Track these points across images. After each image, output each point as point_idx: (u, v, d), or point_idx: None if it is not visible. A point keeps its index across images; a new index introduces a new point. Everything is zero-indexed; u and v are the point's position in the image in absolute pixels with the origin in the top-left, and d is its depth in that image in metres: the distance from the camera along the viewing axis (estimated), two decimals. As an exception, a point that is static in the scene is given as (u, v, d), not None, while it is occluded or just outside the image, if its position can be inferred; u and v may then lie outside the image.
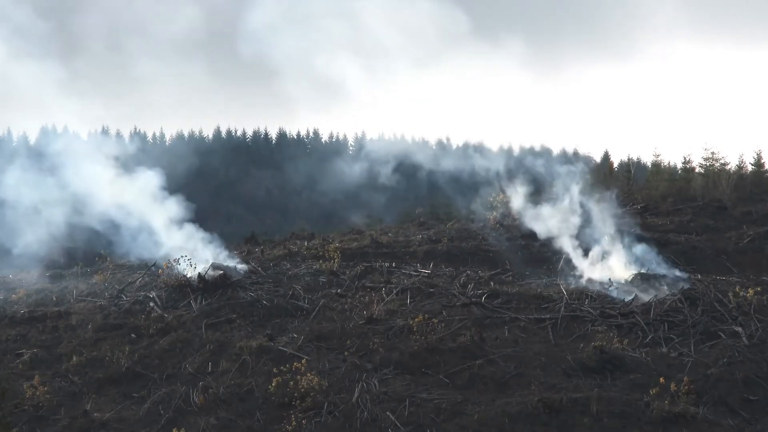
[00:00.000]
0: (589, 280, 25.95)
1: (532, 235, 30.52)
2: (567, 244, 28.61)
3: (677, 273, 25.98)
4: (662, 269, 26.33)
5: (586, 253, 27.97)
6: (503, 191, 32.70)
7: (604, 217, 29.98)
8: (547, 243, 29.29)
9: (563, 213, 30.39)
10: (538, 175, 32.14)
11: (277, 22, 33.04)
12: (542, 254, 29.25)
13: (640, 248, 27.92)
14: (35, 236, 26.98)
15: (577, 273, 26.99)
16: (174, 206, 27.07)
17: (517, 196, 31.72)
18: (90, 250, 31.98)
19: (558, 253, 28.58)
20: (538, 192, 32.19)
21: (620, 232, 29.22)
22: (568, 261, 27.94)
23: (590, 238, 28.73)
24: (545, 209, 30.69)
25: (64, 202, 26.44)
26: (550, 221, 29.99)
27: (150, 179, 27.25)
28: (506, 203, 32.73)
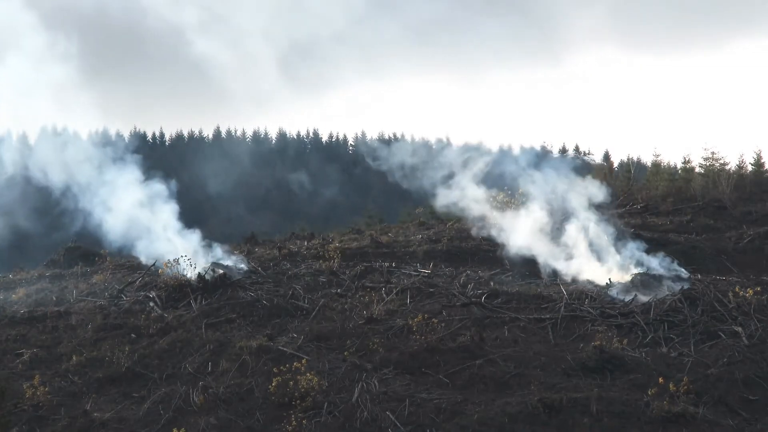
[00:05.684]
0: (589, 281, 25.92)
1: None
2: (566, 244, 28.55)
3: (677, 273, 25.94)
4: (662, 269, 26.30)
5: (584, 253, 27.91)
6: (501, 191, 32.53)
7: (603, 217, 29.91)
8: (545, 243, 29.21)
9: (561, 213, 30.33)
10: (532, 174, 31.94)
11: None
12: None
13: (639, 248, 27.87)
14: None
15: (576, 273, 26.94)
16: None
17: (511, 197, 31.63)
18: (91, 249, 31.98)
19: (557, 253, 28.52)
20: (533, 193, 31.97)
21: (620, 232, 29.17)
22: (567, 261, 27.88)
23: (590, 238, 28.67)
24: (543, 209, 30.60)
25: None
26: (547, 221, 29.93)
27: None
28: (505, 203, 32.57)
